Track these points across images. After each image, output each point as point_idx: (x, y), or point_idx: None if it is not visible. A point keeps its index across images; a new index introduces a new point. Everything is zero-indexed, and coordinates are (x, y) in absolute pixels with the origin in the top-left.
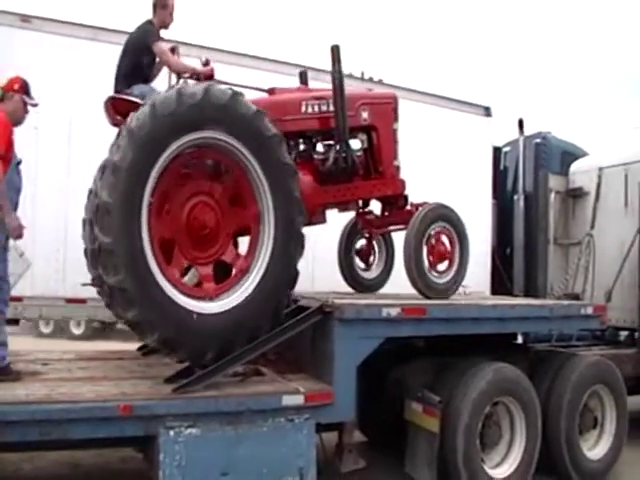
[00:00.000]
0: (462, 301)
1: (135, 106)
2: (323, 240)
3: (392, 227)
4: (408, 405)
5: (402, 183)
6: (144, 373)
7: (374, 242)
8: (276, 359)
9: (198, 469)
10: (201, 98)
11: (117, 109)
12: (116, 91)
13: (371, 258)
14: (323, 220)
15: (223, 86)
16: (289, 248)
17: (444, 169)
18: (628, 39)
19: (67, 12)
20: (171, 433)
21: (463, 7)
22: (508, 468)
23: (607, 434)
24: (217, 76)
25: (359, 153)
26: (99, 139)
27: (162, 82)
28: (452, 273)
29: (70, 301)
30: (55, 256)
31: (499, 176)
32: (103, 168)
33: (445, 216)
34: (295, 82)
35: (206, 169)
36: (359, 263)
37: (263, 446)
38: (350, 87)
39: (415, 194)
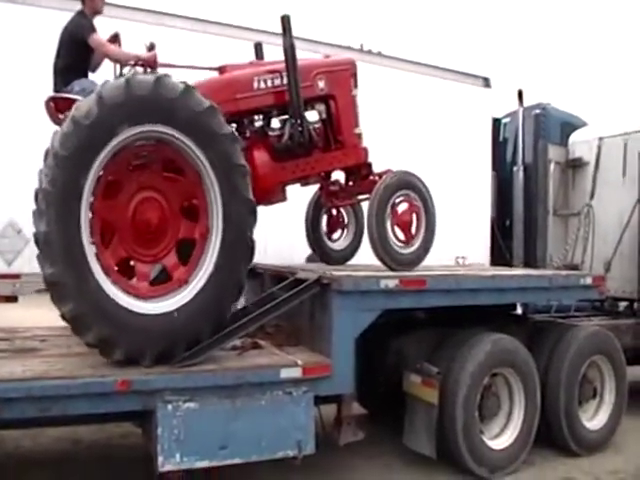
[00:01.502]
0: (461, 272)
1: (74, 103)
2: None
3: (357, 197)
4: (407, 377)
5: (365, 151)
6: None
7: (343, 213)
8: (274, 332)
9: (196, 443)
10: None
11: (59, 108)
12: (55, 90)
13: (339, 229)
14: (283, 198)
15: (174, 78)
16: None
17: (443, 141)
18: (627, 7)
19: None
20: (169, 407)
21: None
22: (507, 439)
23: (606, 404)
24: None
25: (317, 125)
26: None
27: (107, 73)
28: (418, 243)
29: None
30: None
31: (498, 147)
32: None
33: (409, 183)
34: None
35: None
36: (328, 235)
37: (261, 419)
38: (304, 57)
39: (413, 166)
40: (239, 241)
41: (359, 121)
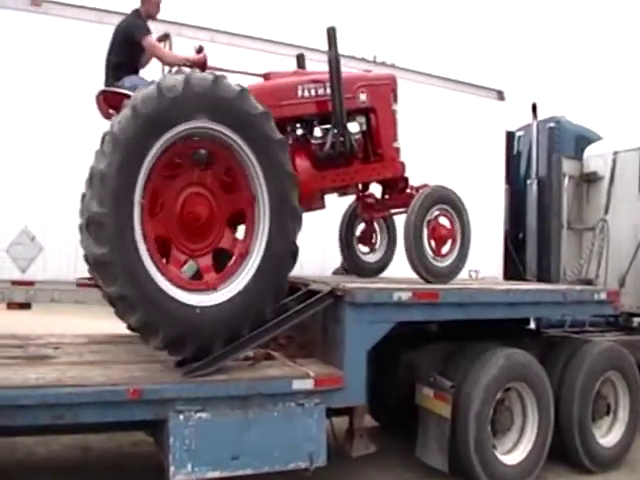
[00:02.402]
0: (475, 286)
1: (127, 98)
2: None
3: (392, 210)
4: (419, 390)
5: (402, 165)
6: (154, 357)
7: (376, 225)
8: (287, 343)
9: (208, 453)
10: (182, 90)
11: (109, 102)
12: (107, 84)
13: (373, 242)
14: (322, 206)
15: (204, 73)
16: (286, 224)
17: (457, 153)
18: None
19: None
20: (181, 417)
21: None
22: (520, 454)
23: (620, 421)
24: (213, 59)
25: (357, 136)
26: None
27: (155, 71)
28: (453, 256)
29: (81, 285)
30: (67, 240)
31: (512, 161)
32: (90, 177)
33: (446, 198)
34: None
35: (194, 159)
36: (361, 247)
37: (273, 430)
38: (348, 69)
39: (427, 178)
40: (284, 246)
41: (398, 135)
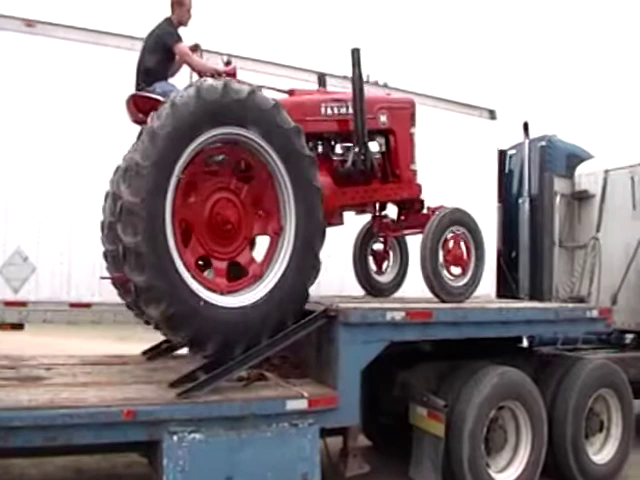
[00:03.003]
0: (467, 304)
1: (157, 103)
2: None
3: (408, 231)
4: (413, 409)
5: (419, 187)
6: (148, 378)
7: (389, 246)
8: (280, 363)
9: (202, 474)
10: (220, 95)
11: (139, 106)
12: (137, 89)
13: (385, 262)
14: (340, 222)
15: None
16: (312, 238)
17: (449, 172)
18: (633, 40)
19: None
20: (175, 438)
21: (468, 10)
22: (514, 472)
23: (613, 438)
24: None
25: (377, 156)
26: (106, 142)
27: (183, 79)
28: (468, 276)
29: (74, 306)
30: (59, 260)
31: (504, 179)
32: (125, 169)
33: (461, 220)
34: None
35: (233, 167)
36: (373, 267)
37: (267, 451)
38: (368, 91)
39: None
40: (307, 261)
41: (415, 158)
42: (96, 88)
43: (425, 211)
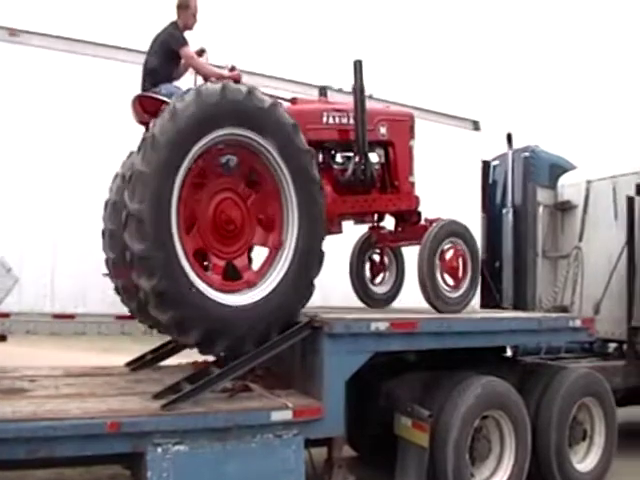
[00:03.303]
0: (451, 315)
1: (163, 104)
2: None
3: (405, 242)
4: (398, 419)
5: (417, 199)
6: (132, 389)
7: (385, 258)
8: (264, 375)
9: None
10: (219, 97)
11: (144, 107)
12: (143, 90)
13: (383, 273)
14: (339, 230)
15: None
16: (308, 267)
17: (433, 183)
18: (615, 52)
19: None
20: (159, 450)
21: (452, 22)
22: None
23: (596, 446)
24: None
25: (376, 167)
26: (87, 154)
27: (187, 82)
28: (464, 287)
29: (58, 317)
30: (43, 271)
31: (488, 190)
32: (130, 177)
33: (457, 232)
34: None
35: (243, 172)
36: (371, 278)
37: (252, 462)
38: (368, 103)
39: None
40: (301, 281)
41: (414, 170)
42: (80, 98)
43: (422, 222)
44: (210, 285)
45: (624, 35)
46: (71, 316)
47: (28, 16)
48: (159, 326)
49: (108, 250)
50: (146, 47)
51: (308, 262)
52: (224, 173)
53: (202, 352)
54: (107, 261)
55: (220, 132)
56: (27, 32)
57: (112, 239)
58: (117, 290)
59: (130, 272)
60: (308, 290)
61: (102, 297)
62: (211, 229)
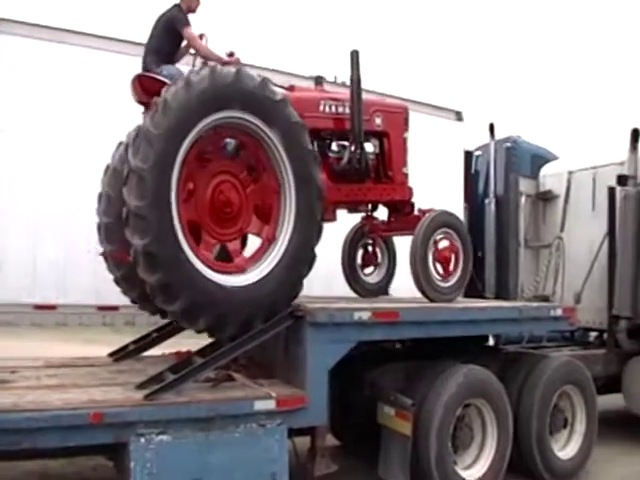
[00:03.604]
0: (433, 304)
1: (163, 85)
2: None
3: (398, 232)
4: (381, 408)
5: (410, 190)
6: (115, 380)
7: (377, 248)
8: (248, 364)
9: (170, 476)
10: (209, 82)
11: (144, 87)
12: (144, 68)
13: (375, 263)
14: (334, 218)
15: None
16: (298, 266)
17: (416, 173)
18: (597, 44)
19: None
20: (142, 440)
21: (433, 13)
22: (480, 469)
23: (577, 434)
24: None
25: (371, 157)
26: (67, 144)
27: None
28: (456, 277)
29: (39, 308)
30: (24, 262)
31: (470, 180)
32: (135, 136)
33: (450, 222)
34: None
35: (246, 160)
36: (363, 268)
37: (235, 452)
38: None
39: None
40: (289, 278)
41: (407, 161)
42: (63, 88)
43: (415, 213)
44: (199, 258)
45: (605, 26)
46: (52, 307)
47: (17, 5)
48: (153, 295)
49: (105, 243)
50: (132, 38)
51: (298, 261)
52: (228, 156)
53: (183, 323)
54: (104, 254)
55: (229, 113)
56: (8, 20)
57: (108, 232)
58: (116, 281)
59: (127, 242)
60: (295, 288)
61: (84, 288)
62: (208, 206)
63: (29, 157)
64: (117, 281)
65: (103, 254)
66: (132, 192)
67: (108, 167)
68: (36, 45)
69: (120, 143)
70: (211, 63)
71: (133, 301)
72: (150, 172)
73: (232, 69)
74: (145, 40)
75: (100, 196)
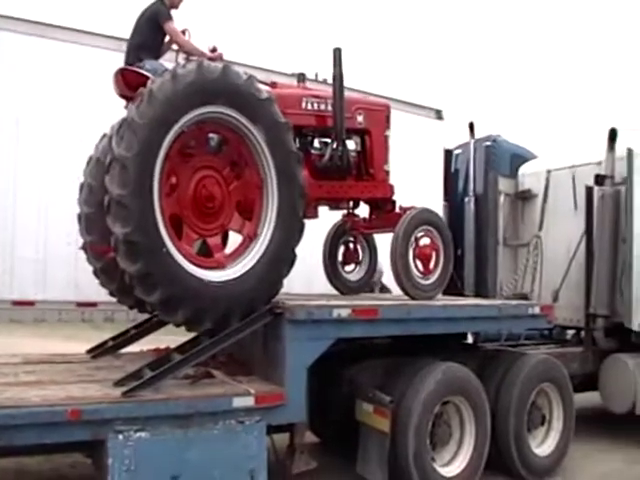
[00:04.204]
0: (412, 302)
1: (145, 80)
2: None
3: (379, 229)
4: (359, 405)
5: (391, 188)
6: (93, 376)
7: (358, 245)
8: (226, 361)
9: (148, 473)
10: (195, 76)
11: (127, 81)
12: (127, 63)
13: (356, 260)
14: (315, 215)
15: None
16: (278, 264)
17: (395, 171)
18: (577, 45)
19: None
20: (120, 437)
21: (415, 10)
22: (458, 466)
23: (554, 431)
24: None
25: (353, 154)
26: (46, 138)
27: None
28: (437, 274)
29: (17, 304)
30: (2, 257)
31: (450, 178)
32: (120, 125)
33: (430, 220)
34: None
35: (229, 157)
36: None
37: (214, 449)
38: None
39: None
40: (270, 276)
41: (389, 159)
42: (45, 82)
43: (397, 210)
44: (179, 251)
45: (585, 26)
46: (31, 303)
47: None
48: (132, 285)
49: (85, 234)
50: (116, 33)
51: (279, 259)
52: (212, 151)
53: (162, 315)
54: (84, 245)
55: (214, 108)
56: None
57: (89, 222)
58: (95, 273)
59: (108, 230)
60: (275, 286)
61: (62, 284)
62: (190, 200)
63: (5, 151)
64: (96, 273)
65: (83, 245)
66: (114, 180)
67: (91, 158)
68: (18, 39)
69: (104, 135)
70: (193, 58)
71: (111, 293)
72: (133, 161)
73: (219, 65)
74: (128, 35)
75: (82, 186)
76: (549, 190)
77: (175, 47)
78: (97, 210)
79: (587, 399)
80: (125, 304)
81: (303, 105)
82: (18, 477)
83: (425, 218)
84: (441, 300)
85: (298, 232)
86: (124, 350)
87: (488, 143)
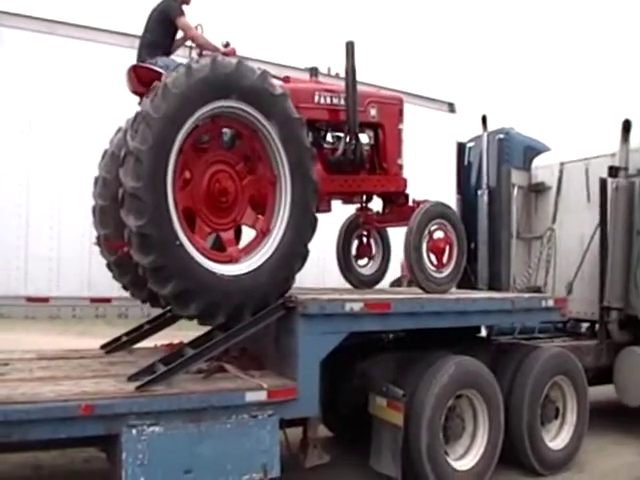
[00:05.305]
0: (425, 295)
1: (158, 76)
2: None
3: (393, 223)
4: (372, 399)
5: (404, 181)
6: (106, 371)
7: (372, 239)
8: (239, 355)
9: (161, 467)
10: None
11: (139, 78)
12: (139, 60)
13: (370, 254)
14: (328, 209)
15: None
16: (291, 260)
17: (408, 165)
18: (590, 37)
19: (26, 6)
20: (133, 432)
21: (428, 4)
22: (471, 460)
23: (568, 424)
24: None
25: (366, 148)
26: (59, 135)
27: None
28: (450, 268)
29: (32, 300)
30: (16, 254)
31: (463, 171)
32: (134, 118)
33: (444, 213)
34: None
35: (243, 152)
36: (358, 260)
37: (226, 443)
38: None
39: None
40: (281, 272)
41: (402, 153)
42: (59, 80)
43: (410, 204)
44: (193, 244)
45: (598, 19)
46: (45, 299)
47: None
48: (146, 277)
49: (99, 227)
50: (129, 30)
51: (292, 254)
52: (225, 146)
53: (175, 308)
54: (99, 238)
55: (228, 103)
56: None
57: (103, 215)
58: (109, 267)
59: (123, 229)
60: (287, 281)
61: (76, 280)
62: (203, 194)
63: (19, 149)
64: (109, 266)
65: (97, 238)
66: (129, 173)
67: (106, 152)
68: (32, 37)
69: (119, 128)
70: (207, 53)
71: (124, 287)
72: (147, 154)
73: (233, 60)
74: (140, 32)
75: (96, 179)
76: (562, 182)
77: (188, 43)
78: (111, 203)
79: (601, 392)
80: (138, 298)
81: (316, 99)
82: (35, 472)
83: (439, 211)
84: (454, 293)
85: (311, 228)
86: (138, 345)
87: (501, 136)
